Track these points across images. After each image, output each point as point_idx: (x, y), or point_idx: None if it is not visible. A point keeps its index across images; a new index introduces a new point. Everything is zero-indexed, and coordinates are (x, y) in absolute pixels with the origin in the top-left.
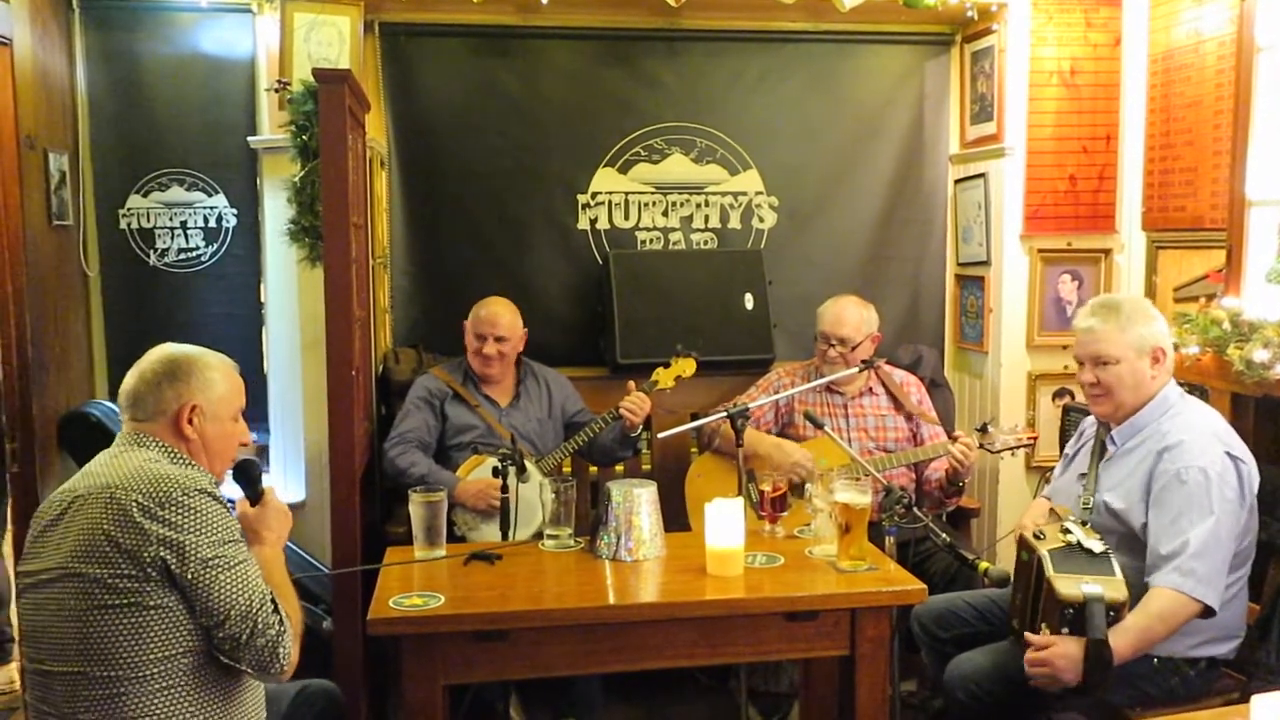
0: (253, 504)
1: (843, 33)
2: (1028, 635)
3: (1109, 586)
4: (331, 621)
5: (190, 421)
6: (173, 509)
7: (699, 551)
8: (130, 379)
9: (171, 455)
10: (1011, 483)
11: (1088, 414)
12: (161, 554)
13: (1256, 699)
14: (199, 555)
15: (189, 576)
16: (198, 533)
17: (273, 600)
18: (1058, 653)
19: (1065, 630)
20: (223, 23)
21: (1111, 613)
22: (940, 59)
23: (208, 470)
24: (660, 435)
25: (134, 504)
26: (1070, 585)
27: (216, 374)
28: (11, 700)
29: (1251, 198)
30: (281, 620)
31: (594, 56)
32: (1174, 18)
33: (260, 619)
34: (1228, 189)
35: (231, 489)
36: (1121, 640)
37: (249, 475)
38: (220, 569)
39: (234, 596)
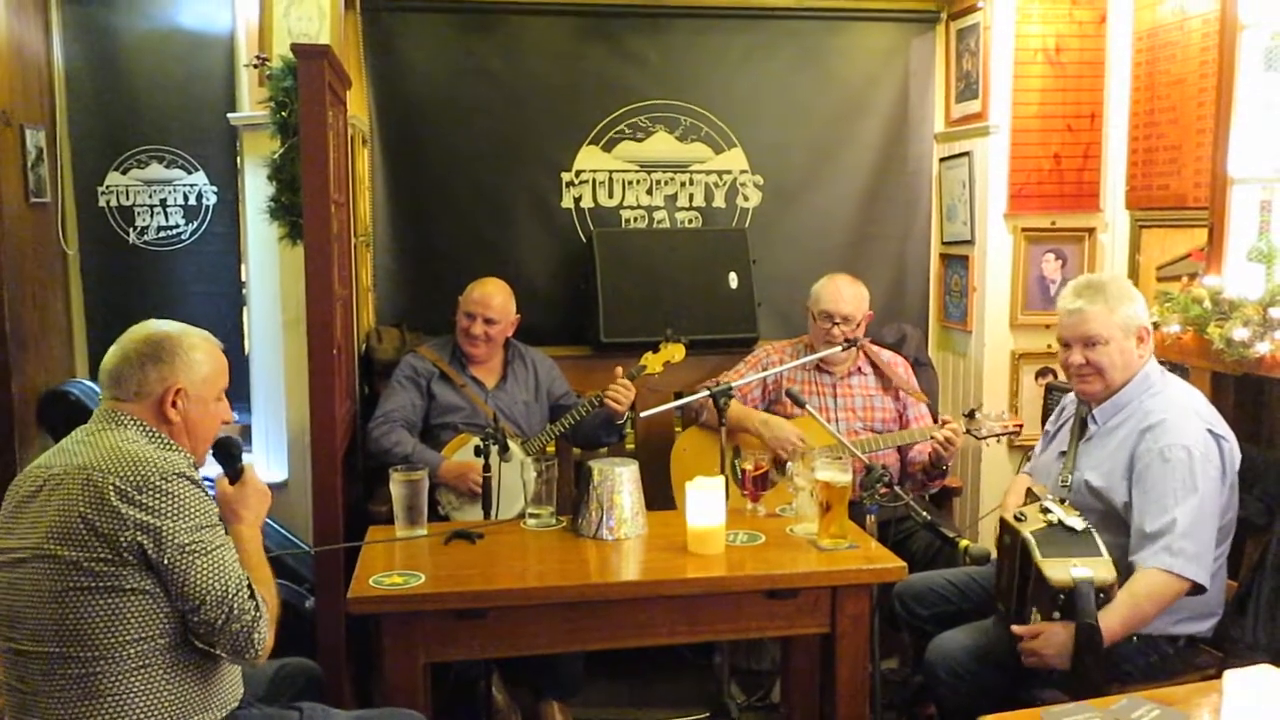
0: (232, 482)
1: (828, 10)
2: (1015, 629)
3: (1097, 568)
4: (313, 600)
5: (174, 405)
6: (150, 493)
7: (680, 530)
8: (112, 357)
9: (151, 435)
10: (994, 462)
11: (1068, 392)
12: (138, 538)
13: (1229, 674)
14: (175, 541)
15: (165, 561)
16: (175, 517)
17: (249, 586)
18: (1047, 640)
19: (1056, 615)
20: None
21: (1101, 594)
22: (926, 36)
23: (189, 452)
24: (644, 414)
25: (110, 487)
26: (1060, 569)
27: (201, 354)
28: None
29: (1233, 175)
30: (257, 606)
31: (578, 33)
32: None
33: (236, 604)
34: (1210, 167)
35: (212, 467)
36: (1111, 621)
37: (229, 452)
38: (197, 554)
39: (210, 582)
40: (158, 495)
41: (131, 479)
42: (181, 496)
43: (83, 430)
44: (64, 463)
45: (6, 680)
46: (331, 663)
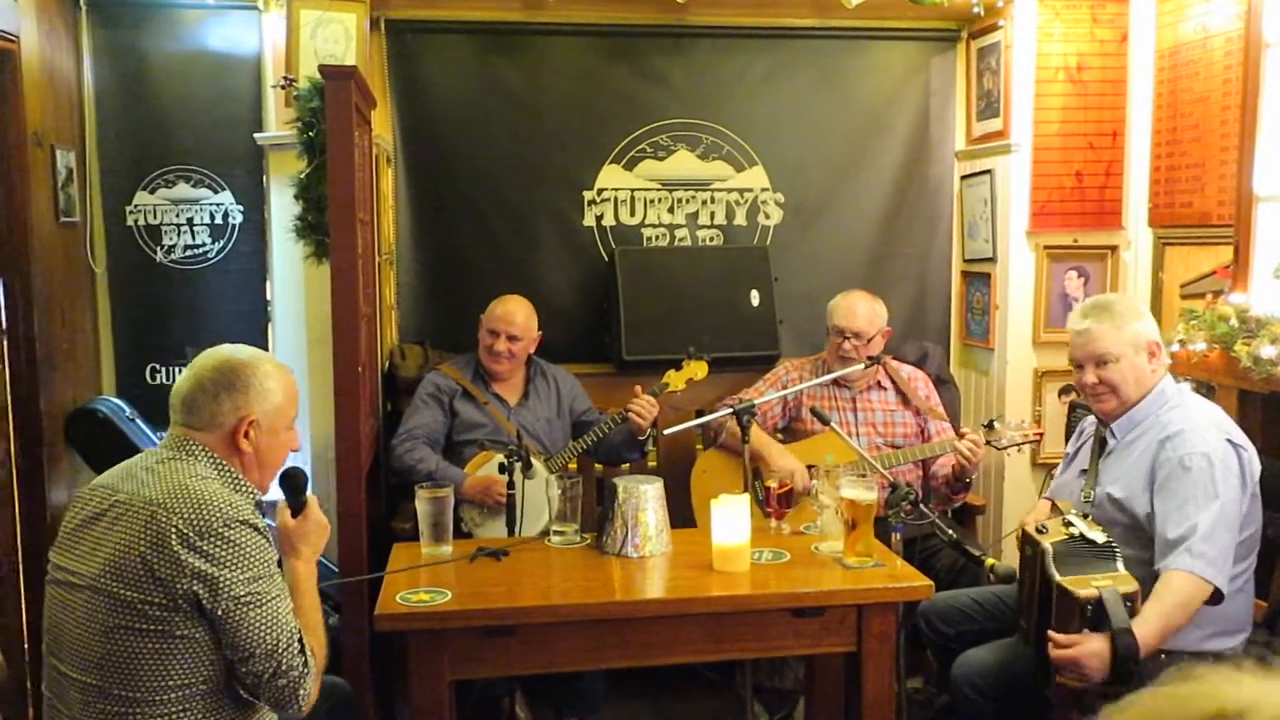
0: (294, 513)
1: (849, 29)
2: (1052, 635)
3: (1117, 580)
4: (338, 617)
5: (247, 435)
6: (211, 540)
7: (705, 548)
8: (186, 382)
9: (220, 470)
10: (1017, 480)
11: (1090, 412)
12: (194, 587)
13: None
14: (231, 592)
15: (219, 612)
16: (233, 567)
17: (300, 640)
18: (1085, 650)
19: (1086, 631)
20: (229, 20)
21: (1127, 603)
22: (946, 55)
23: (257, 482)
24: (666, 432)
25: (173, 530)
26: (1082, 584)
27: (274, 383)
28: None
29: (1259, 193)
30: (306, 661)
31: (600, 53)
32: (1181, 13)
33: (284, 660)
34: (1235, 185)
35: (275, 493)
36: (1145, 630)
37: (294, 484)
38: (251, 606)
39: (261, 635)
40: (219, 543)
41: (195, 523)
42: (243, 545)
43: (152, 455)
44: (131, 491)
45: (47, 694)
46: (356, 679)
